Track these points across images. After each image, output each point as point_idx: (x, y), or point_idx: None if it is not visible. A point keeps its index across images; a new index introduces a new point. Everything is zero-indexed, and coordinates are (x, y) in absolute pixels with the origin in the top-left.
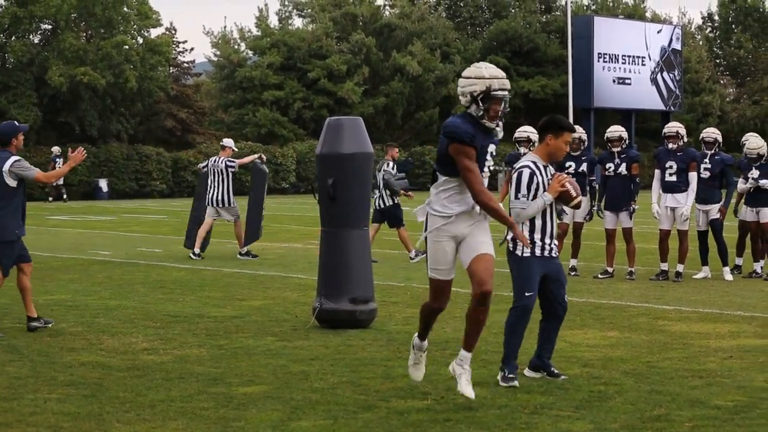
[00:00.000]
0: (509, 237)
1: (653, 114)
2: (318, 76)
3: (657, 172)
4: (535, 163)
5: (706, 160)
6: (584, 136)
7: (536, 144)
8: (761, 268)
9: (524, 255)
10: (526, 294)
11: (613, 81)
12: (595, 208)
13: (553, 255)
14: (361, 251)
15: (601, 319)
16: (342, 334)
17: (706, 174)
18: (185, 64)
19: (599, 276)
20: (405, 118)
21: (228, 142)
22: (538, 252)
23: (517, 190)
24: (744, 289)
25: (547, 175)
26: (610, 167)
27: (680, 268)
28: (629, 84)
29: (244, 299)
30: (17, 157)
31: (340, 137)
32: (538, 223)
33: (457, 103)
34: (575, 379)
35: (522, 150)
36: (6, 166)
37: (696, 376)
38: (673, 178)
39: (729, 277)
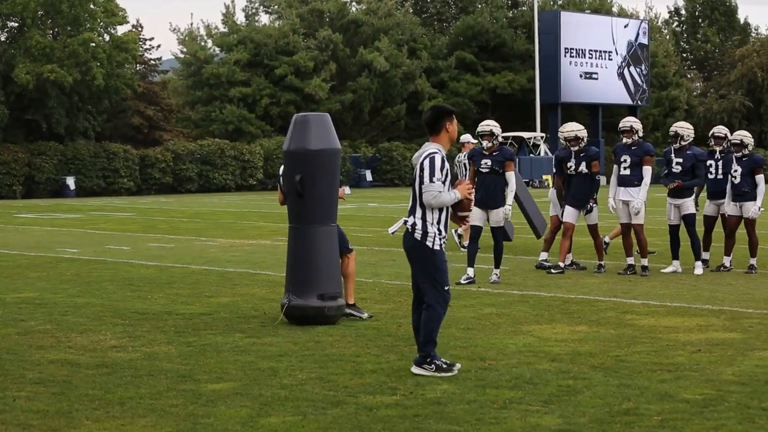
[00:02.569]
0: (410, 224)
1: (620, 108)
2: (285, 73)
3: (615, 167)
4: (440, 150)
5: (673, 155)
6: (581, 134)
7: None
8: (730, 262)
9: (437, 248)
10: (446, 288)
11: (580, 76)
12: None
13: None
14: (328, 247)
15: (570, 314)
16: (310, 330)
17: (678, 168)
18: (152, 62)
19: (552, 271)
20: (372, 114)
21: (466, 137)
22: (444, 244)
23: (431, 173)
24: (712, 283)
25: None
26: (570, 166)
27: (644, 261)
28: (596, 79)
29: (212, 296)
30: None
31: (307, 133)
32: (443, 214)
33: (425, 98)
34: (543, 373)
35: (485, 143)
36: None
37: (665, 370)
38: (627, 172)
39: (699, 271)
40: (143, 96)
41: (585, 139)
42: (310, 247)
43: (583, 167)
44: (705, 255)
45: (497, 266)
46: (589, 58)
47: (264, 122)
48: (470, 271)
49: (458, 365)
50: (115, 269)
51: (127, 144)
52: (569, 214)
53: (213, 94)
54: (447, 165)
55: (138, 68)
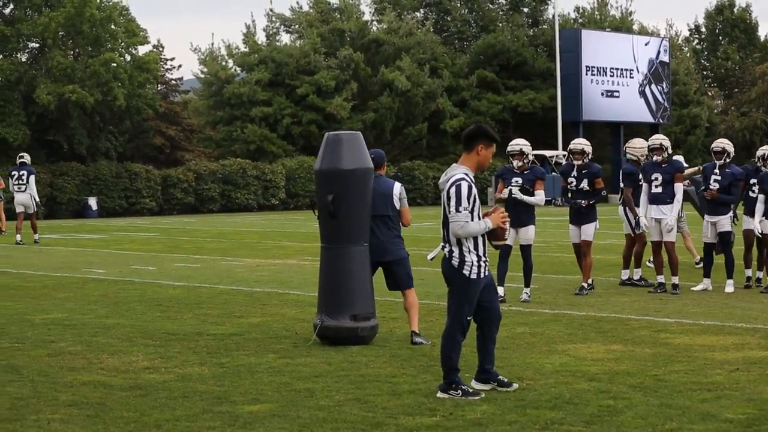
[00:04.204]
0: (447, 250)
1: (642, 126)
2: (306, 92)
3: (645, 186)
4: (467, 174)
5: (716, 171)
6: (588, 148)
7: (527, 155)
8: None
9: (473, 278)
10: (467, 318)
11: (602, 94)
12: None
13: (488, 273)
14: (361, 267)
15: (603, 333)
16: (344, 351)
17: (715, 186)
18: (173, 82)
19: (584, 292)
20: (394, 134)
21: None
22: (482, 274)
23: (458, 203)
24: (743, 301)
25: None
26: (571, 181)
27: (675, 280)
28: (617, 97)
29: (242, 316)
30: None
31: (339, 152)
32: (480, 241)
33: (446, 117)
34: (583, 393)
35: (515, 163)
36: None
37: (704, 389)
38: (659, 190)
39: (730, 289)
40: (164, 116)
41: (589, 155)
42: (343, 267)
43: (584, 184)
44: (747, 272)
45: (527, 285)
46: (611, 76)
47: (286, 142)
48: (501, 291)
49: (483, 393)
50: (143, 289)
51: (149, 164)
52: (573, 234)
53: (234, 113)
54: (474, 191)
55: (159, 88)
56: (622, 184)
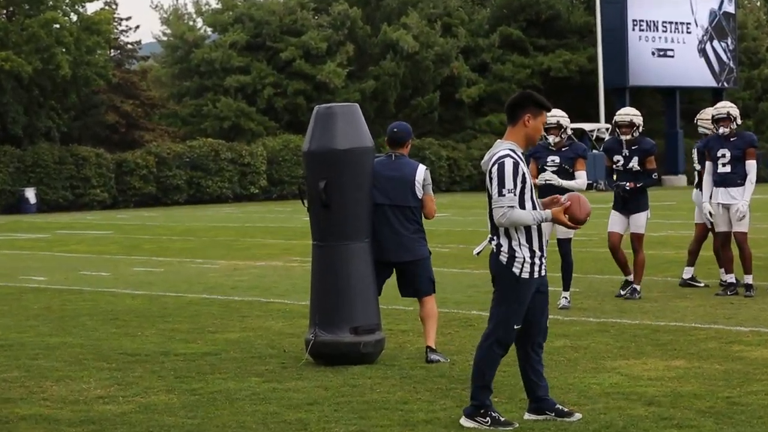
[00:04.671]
0: (494, 243)
1: (702, 92)
2: (292, 57)
3: (708, 164)
4: (514, 151)
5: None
6: (637, 119)
7: (565, 129)
8: None
9: (524, 277)
10: (515, 327)
11: (652, 53)
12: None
13: (544, 273)
14: (363, 269)
15: (662, 346)
16: (344, 371)
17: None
18: (129, 46)
19: (621, 292)
20: (399, 106)
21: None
22: (536, 273)
23: (501, 184)
24: None
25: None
26: (618, 160)
27: (748, 279)
28: (672, 56)
29: (217, 331)
30: None
31: (332, 129)
32: (535, 233)
33: (463, 84)
34: (640, 420)
35: (551, 138)
36: None
37: None
38: (727, 169)
39: None
40: (119, 88)
41: (640, 128)
42: (340, 269)
43: (634, 163)
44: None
45: (566, 288)
46: (663, 31)
47: (267, 117)
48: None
49: (516, 423)
50: (95, 300)
51: (100, 147)
52: (615, 222)
53: (204, 84)
54: (523, 170)
55: (112, 54)
56: (697, 165)
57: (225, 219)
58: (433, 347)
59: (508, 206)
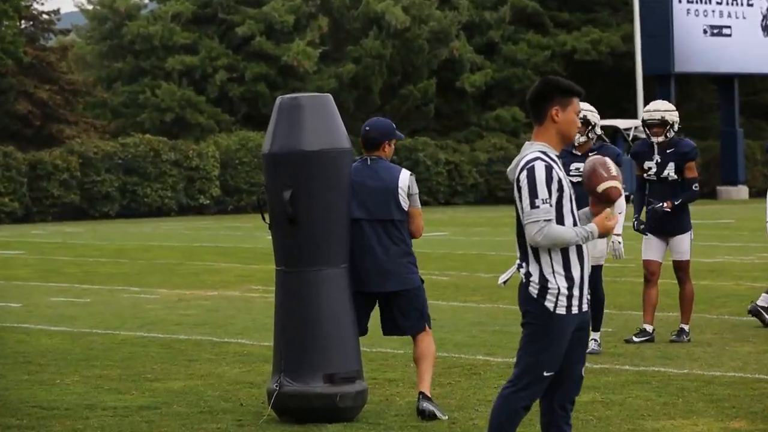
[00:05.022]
0: (523, 272)
1: (767, 80)
2: (251, 33)
3: None
4: (546, 153)
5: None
6: (671, 116)
7: (593, 128)
8: None
9: (559, 312)
10: (545, 374)
11: (705, 32)
12: (635, 221)
13: (585, 308)
14: (339, 301)
15: (717, 402)
16: (316, 430)
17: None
18: (45, 16)
19: (634, 339)
20: (385, 96)
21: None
22: (575, 308)
23: (532, 193)
24: None
25: (563, 169)
26: (650, 168)
27: None
28: (729, 35)
29: (156, 379)
30: None
31: (299, 126)
32: (575, 256)
33: (465, 70)
34: None
35: (579, 138)
36: None
37: None
38: None
39: None
40: (32, 69)
41: (676, 126)
42: (310, 302)
43: (670, 170)
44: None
45: (596, 328)
46: (718, 4)
47: (220, 109)
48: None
49: None
50: (1, 339)
51: (9, 144)
52: (651, 247)
53: (141, 65)
54: (559, 175)
55: (24, 27)
56: None
57: (167, 236)
58: (428, 394)
59: (545, 220)
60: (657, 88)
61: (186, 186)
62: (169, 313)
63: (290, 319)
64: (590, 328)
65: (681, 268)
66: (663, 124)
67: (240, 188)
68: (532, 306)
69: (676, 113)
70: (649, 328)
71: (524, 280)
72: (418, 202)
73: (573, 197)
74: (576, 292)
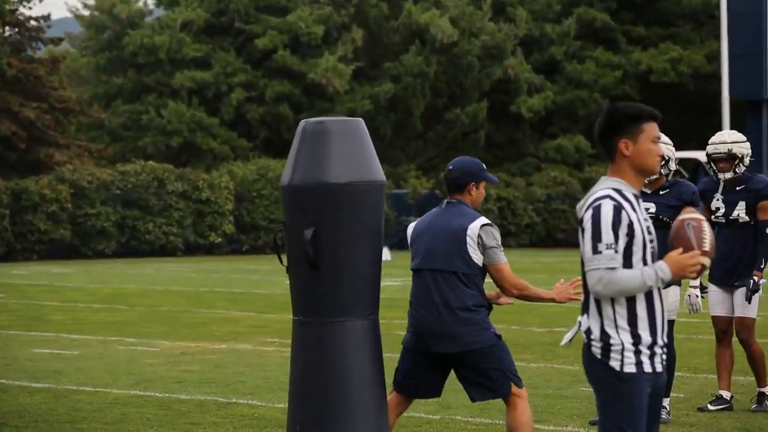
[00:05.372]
0: (583, 329)
1: None
2: (273, 46)
3: None
4: (620, 191)
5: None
6: (740, 149)
7: (668, 163)
8: None
9: (627, 371)
10: None
11: None
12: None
13: (663, 366)
14: (365, 358)
15: None
16: None
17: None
18: (33, 23)
19: (709, 407)
20: (428, 121)
21: None
22: (647, 365)
23: (595, 237)
24: None
25: (642, 212)
26: (717, 208)
27: None
28: None
29: None
30: None
31: (325, 154)
32: (643, 309)
33: (522, 92)
34: None
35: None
36: None
37: None
38: None
39: None
40: (18, 84)
41: (746, 160)
42: (333, 360)
43: (740, 211)
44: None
45: (666, 393)
46: None
47: (236, 133)
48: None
49: None
50: None
51: None
52: (715, 302)
53: (144, 81)
54: (630, 218)
55: (8, 34)
56: None
57: (171, 280)
58: None
59: (606, 267)
60: (747, 115)
61: (194, 221)
62: (170, 368)
63: (307, 378)
64: (663, 393)
65: (744, 328)
66: (730, 158)
67: (257, 225)
68: (596, 368)
69: (747, 144)
70: (726, 394)
71: (585, 340)
72: (500, 256)
73: (650, 246)
74: (645, 349)
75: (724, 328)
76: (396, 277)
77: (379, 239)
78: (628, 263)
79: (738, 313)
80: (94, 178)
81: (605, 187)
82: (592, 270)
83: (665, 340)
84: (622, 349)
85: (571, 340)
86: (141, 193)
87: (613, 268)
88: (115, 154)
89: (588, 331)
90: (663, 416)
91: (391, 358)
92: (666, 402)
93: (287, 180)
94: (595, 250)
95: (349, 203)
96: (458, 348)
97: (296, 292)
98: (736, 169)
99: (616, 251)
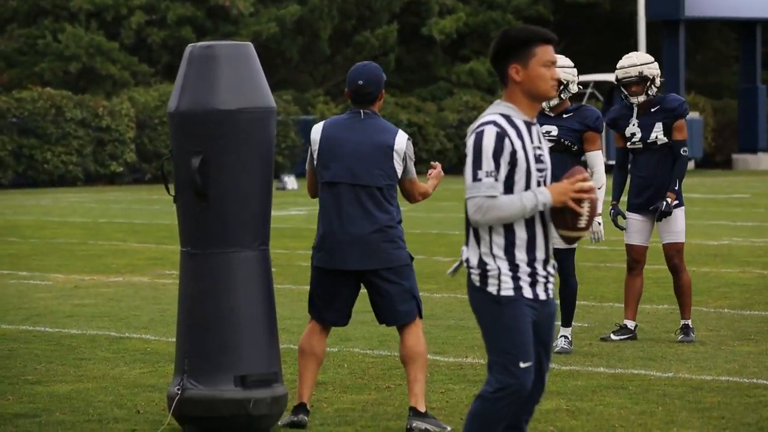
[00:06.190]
0: (464, 257)
1: None
2: None
3: None
4: (508, 117)
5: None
6: (650, 70)
7: (567, 86)
8: None
9: (505, 294)
10: (521, 365)
11: None
12: (612, 211)
13: (549, 295)
14: (255, 290)
15: (705, 411)
16: None
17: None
18: None
19: (612, 336)
20: (337, 44)
21: None
22: (527, 291)
23: (476, 164)
24: None
25: (533, 139)
26: (632, 134)
27: None
28: None
29: (39, 381)
30: None
31: (212, 80)
32: (522, 237)
33: (433, 14)
34: None
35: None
36: None
37: None
38: None
39: None
40: None
41: (658, 81)
42: (221, 290)
43: (658, 133)
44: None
45: (566, 323)
46: None
47: (137, 58)
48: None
49: None
50: None
51: None
52: (633, 230)
53: (40, 4)
54: (512, 146)
55: None
56: None
57: (69, 211)
58: (421, 409)
59: (486, 195)
60: (663, 37)
61: (94, 150)
62: (62, 302)
63: (196, 311)
64: (553, 325)
65: (674, 253)
66: (643, 80)
67: (159, 153)
68: (476, 297)
69: (656, 65)
70: (630, 324)
71: (466, 269)
72: (414, 171)
73: (536, 174)
74: (524, 275)
75: (638, 257)
76: (301, 207)
77: (269, 168)
78: (509, 192)
79: (666, 240)
80: None
81: (493, 112)
82: (472, 198)
83: (550, 270)
84: (499, 274)
85: (456, 270)
86: (38, 121)
87: (492, 197)
88: (11, 81)
89: (467, 261)
90: (565, 346)
91: (293, 289)
92: (568, 332)
93: (174, 107)
94: (475, 178)
95: (237, 131)
96: (377, 265)
97: (184, 223)
98: (649, 92)
99: (496, 179)
